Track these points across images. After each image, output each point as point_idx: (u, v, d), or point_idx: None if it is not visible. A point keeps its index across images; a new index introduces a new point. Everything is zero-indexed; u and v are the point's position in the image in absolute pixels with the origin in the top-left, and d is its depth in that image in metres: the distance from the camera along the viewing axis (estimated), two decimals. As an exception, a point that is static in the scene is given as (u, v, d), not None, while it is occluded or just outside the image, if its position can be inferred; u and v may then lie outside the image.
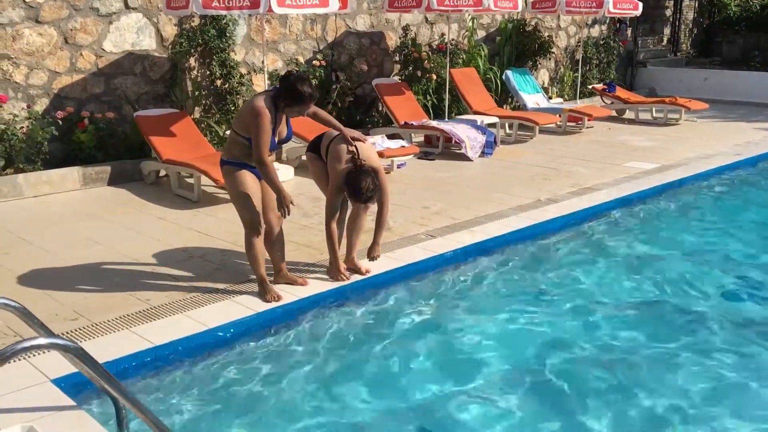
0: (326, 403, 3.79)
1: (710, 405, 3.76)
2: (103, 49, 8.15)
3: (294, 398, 3.82)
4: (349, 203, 5.02)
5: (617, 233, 6.66)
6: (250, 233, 4.61)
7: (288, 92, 4.41)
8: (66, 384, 3.55)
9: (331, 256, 4.98)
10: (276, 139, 4.54)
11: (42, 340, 2.57)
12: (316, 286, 4.93)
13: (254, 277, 4.80)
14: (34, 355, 3.77)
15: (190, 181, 7.46)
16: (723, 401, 3.82)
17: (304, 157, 8.49)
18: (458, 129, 9.50)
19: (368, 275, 5.12)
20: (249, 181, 4.56)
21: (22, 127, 7.46)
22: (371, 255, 5.18)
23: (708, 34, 18.99)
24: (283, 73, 9.62)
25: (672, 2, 17.78)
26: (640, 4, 12.13)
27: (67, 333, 4.18)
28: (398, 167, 8.67)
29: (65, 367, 3.51)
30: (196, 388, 3.85)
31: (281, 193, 4.48)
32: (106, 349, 3.93)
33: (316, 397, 3.83)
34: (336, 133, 4.94)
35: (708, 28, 19.01)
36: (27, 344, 2.52)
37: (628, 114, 13.28)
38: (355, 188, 4.65)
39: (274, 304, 4.60)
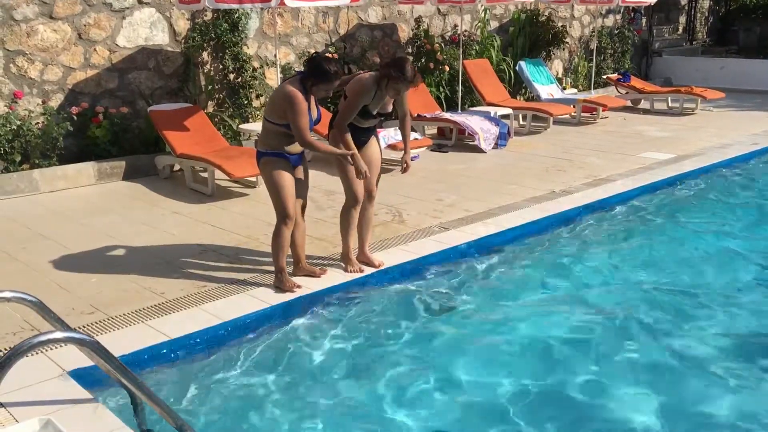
0: (344, 397, 3.80)
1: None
2: (117, 45, 8.18)
3: (311, 392, 3.83)
4: (355, 204, 4.97)
5: (633, 224, 6.61)
6: (281, 223, 4.66)
7: (314, 71, 4.48)
8: (83, 377, 3.57)
9: (340, 150, 4.74)
10: (313, 118, 4.61)
11: (58, 334, 2.59)
12: (331, 278, 4.94)
13: (270, 269, 4.82)
14: (51, 349, 3.80)
15: (204, 175, 7.48)
16: None
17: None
18: (471, 121, 9.46)
19: (382, 267, 5.11)
20: (286, 172, 4.62)
21: (38, 122, 7.52)
22: (404, 160, 5.15)
23: (724, 22, 18.77)
24: (296, 66, 9.66)
25: (687, -10, 17.61)
26: (655, -7, 12.00)
27: (84, 327, 4.22)
28: (411, 159, 8.62)
29: (82, 360, 3.54)
30: (212, 381, 3.87)
31: (339, 155, 4.66)
32: (121, 342, 3.96)
33: (334, 390, 3.84)
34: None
35: (724, 16, 18.79)
36: (43, 338, 2.54)
37: (643, 104, 13.16)
38: (401, 67, 4.58)
39: (288, 296, 4.61)
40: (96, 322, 4.29)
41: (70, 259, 5.42)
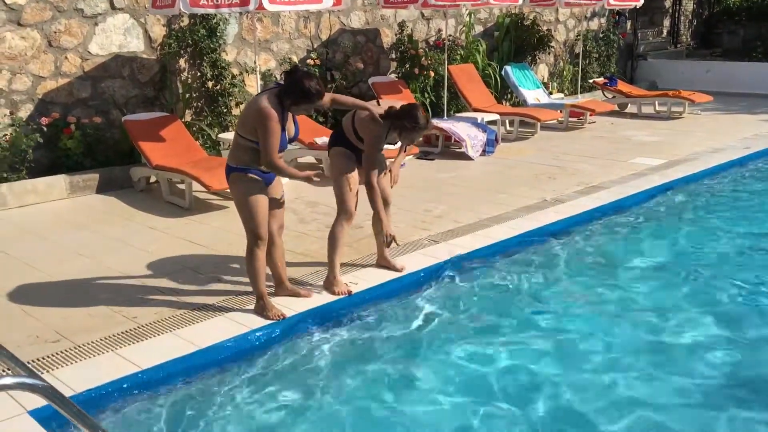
0: (336, 424, 3.51)
1: None
2: (89, 52, 7.84)
3: (299, 423, 3.53)
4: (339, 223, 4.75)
5: (633, 234, 6.37)
6: (254, 244, 4.30)
7: (294, 90, 4.09)
8: (43, 416, 3.26)
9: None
10: (287, 137, 4.27)
11: (8, 380, 2.28)
12: (317, 299, 4.63)
13: (250, 290, 4.50)
14: (9, 385, 3.47)
15: (182, 187, 7.15)
16: None
17: (300, 159, 8.22)
18: (458, 127, 9.21)
19: (354, 292, 4.75)
20: (258, 189, 4.25)
21: (6, 134, 7.16)
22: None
23: (708, 25, 18.71)
24: (277, 73, 9.36)
25: (671, -7, 17.51)
26: (641, -5, 11.84)
27: (48, 357, 3.89)
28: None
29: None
30: (186, 417, 3.56)
31: (304, 179, 4.33)
32: (88, 374, 3.66)
33: (325, 420, 3.55)
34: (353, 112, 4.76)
35: (708, 19, 18.73)
36: (-10, 384, 2.23)
37: (630, 108, 13.00)
38: (414, 117, 4.56)
39: (273, 321, 4.30)
40: (61, 352, 3.95)
41: (37, 281, 5.08)
